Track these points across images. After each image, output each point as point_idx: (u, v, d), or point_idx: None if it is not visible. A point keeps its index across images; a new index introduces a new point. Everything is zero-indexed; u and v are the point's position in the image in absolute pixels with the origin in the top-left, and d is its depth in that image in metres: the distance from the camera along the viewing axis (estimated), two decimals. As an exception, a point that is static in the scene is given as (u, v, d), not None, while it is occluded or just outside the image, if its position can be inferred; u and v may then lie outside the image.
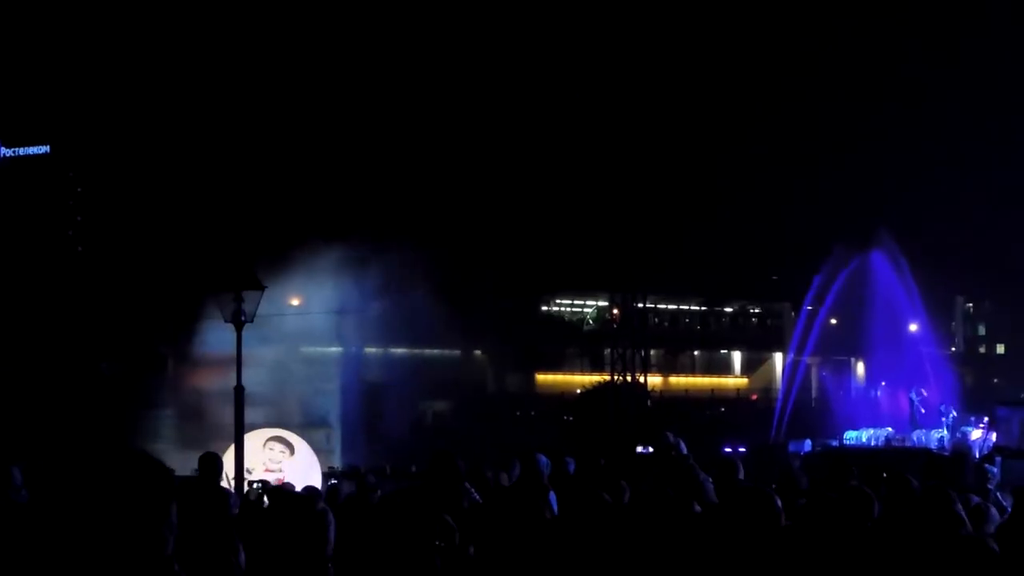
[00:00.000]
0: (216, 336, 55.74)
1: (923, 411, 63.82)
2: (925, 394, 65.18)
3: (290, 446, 43.28)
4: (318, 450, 73.07)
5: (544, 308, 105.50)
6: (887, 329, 72.99)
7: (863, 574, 8.80)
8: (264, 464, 38.12)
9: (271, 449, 39.46)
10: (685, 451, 16.91)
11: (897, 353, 71.88)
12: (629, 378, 74.41)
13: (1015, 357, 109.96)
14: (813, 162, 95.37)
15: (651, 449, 64.76)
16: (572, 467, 18.86)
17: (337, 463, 69.87)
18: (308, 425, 72.58)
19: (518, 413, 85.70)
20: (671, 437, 17.24)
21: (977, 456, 44.86)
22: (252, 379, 37.22)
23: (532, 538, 10.74)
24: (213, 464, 16.51)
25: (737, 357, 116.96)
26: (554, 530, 11.10)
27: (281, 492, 17.68)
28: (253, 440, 41.45)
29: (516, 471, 16.18)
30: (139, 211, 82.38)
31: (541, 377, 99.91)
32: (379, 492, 18.71)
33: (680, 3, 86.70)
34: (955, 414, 62.01)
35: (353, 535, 11.24)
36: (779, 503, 8.73)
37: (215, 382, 57.61)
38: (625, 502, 12.48)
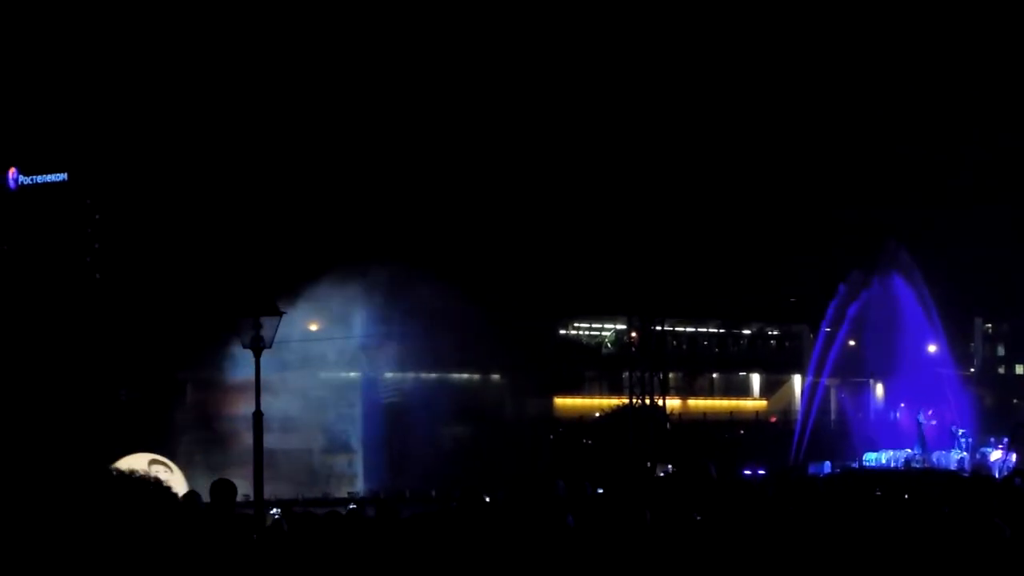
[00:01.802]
0: (235, 361, 56.07)
1: (933, 423, 63.83)
2: (931, 416, 65.17)
3: (169, 466, 44.06)
4: (341, 475, 73.37)
5: (562, 332, 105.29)
6: (906, 350, 72.85)
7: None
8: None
9: (156, 472, 39.56)
10: (714, 474, 16.83)
11: (916, 374, 71.70)
12: (648, 401, 74.39)
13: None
14: (831, 184, 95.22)
15: (671, 468, 64.77)
16: (590, 491, 18.77)
17: (360, 487, 69.98)
18: (331, 450, 72.80)
19: (537, 437, 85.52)
20: (704, 460, 17.14)
21: (997, 477, 44.75)
22: (275, 405, 37.06)
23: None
24: (225, 491, 16.29)
25: (756, 379, 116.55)
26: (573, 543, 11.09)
27: (304, 517, 17.64)
28: (137, 462, 42.29)
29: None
30: (157, 238, 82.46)
31: (560, 401, 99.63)
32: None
33: (706, 37, 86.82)
34: (964, 433, 61.89)
35: (380, 559, 11.27)
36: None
37: (236, 408, 57.82)
38: (647, 523, 12.47)
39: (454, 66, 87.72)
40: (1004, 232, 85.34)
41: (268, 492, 31.60)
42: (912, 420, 68.70)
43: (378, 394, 76.23)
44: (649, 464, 71.35)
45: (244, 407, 39.09)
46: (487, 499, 13.97)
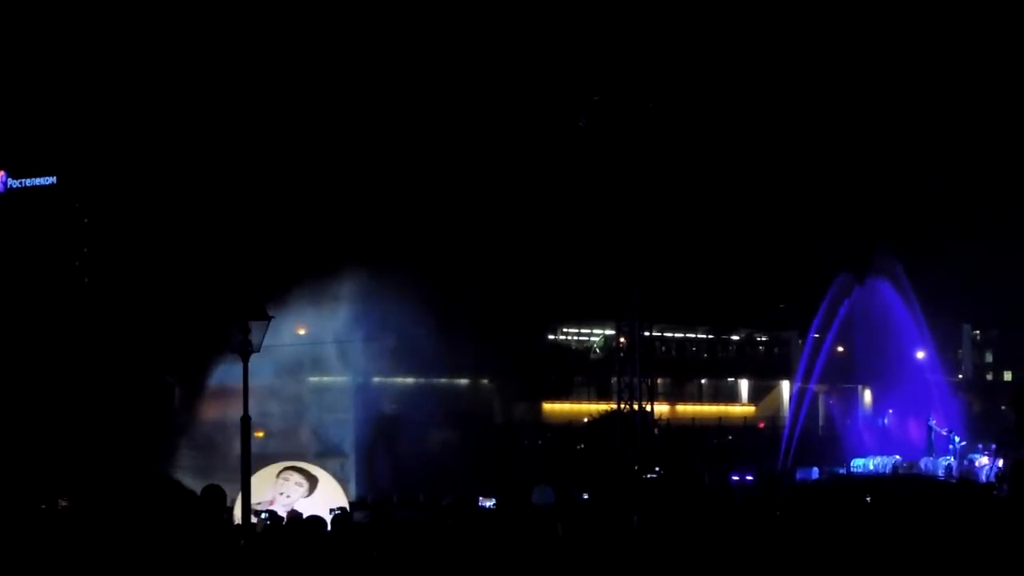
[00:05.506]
0: (225, 366, 56.00)
1: (943, 432, 64.08)
2: (940, 423, 65.33)
3: (311, 478, 39.83)
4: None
5: (551, 337, 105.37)
6: (894, 357, 73.01)
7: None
8: (277, 495, 36.70)
9: (285, 480, 38.07)
10: (708, 481, 16.84)
11: (904, 381, 71.88)
12: (636, 407, 74.31)
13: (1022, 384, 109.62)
14: (819, 190, 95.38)
15: (659, 470, 64.77)
16: (578, 496, 18.84)
17: (352, 492, 69.99)
18: (324, 454, 72.87)
19: (526, 442, 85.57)
20: (696, 465, 17.20)
21: (983, 482, 44.92)
22: (266, 410, 36.41)
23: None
24: (215, 497, 16.22)
25: (744, 385, 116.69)
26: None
27: (291, 523, 17.68)
28: (268, 471, 39.48)
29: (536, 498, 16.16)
30: (146, 242, 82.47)
31: (548, 406, 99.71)
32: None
33: (685, 45, 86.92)
34: (959, 440, 62.00)
35: (373, 562, 11.31)
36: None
37: (225, 412, 57.69)
38: (633, 529, 12.52)
39: (441, 74, 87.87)
40: (993, 238, 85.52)
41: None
42: (902, 426, 68.84)
43: (370, 399, 76.22)
44: (637, 468, 71.35)
45: (233, 412, 38.92)
46: (479, 505, 14.01)
